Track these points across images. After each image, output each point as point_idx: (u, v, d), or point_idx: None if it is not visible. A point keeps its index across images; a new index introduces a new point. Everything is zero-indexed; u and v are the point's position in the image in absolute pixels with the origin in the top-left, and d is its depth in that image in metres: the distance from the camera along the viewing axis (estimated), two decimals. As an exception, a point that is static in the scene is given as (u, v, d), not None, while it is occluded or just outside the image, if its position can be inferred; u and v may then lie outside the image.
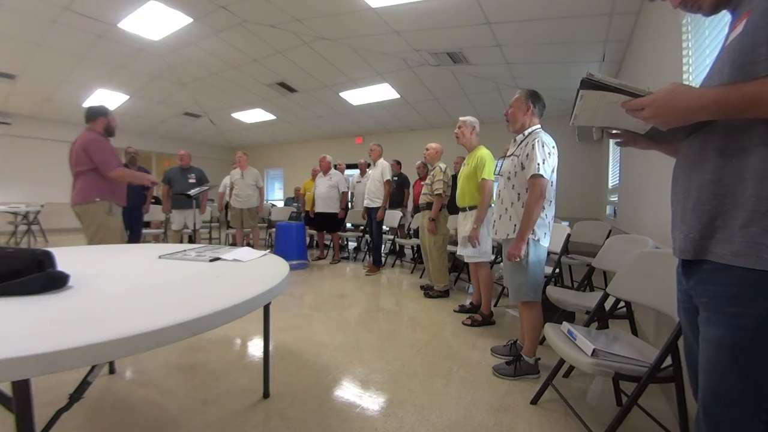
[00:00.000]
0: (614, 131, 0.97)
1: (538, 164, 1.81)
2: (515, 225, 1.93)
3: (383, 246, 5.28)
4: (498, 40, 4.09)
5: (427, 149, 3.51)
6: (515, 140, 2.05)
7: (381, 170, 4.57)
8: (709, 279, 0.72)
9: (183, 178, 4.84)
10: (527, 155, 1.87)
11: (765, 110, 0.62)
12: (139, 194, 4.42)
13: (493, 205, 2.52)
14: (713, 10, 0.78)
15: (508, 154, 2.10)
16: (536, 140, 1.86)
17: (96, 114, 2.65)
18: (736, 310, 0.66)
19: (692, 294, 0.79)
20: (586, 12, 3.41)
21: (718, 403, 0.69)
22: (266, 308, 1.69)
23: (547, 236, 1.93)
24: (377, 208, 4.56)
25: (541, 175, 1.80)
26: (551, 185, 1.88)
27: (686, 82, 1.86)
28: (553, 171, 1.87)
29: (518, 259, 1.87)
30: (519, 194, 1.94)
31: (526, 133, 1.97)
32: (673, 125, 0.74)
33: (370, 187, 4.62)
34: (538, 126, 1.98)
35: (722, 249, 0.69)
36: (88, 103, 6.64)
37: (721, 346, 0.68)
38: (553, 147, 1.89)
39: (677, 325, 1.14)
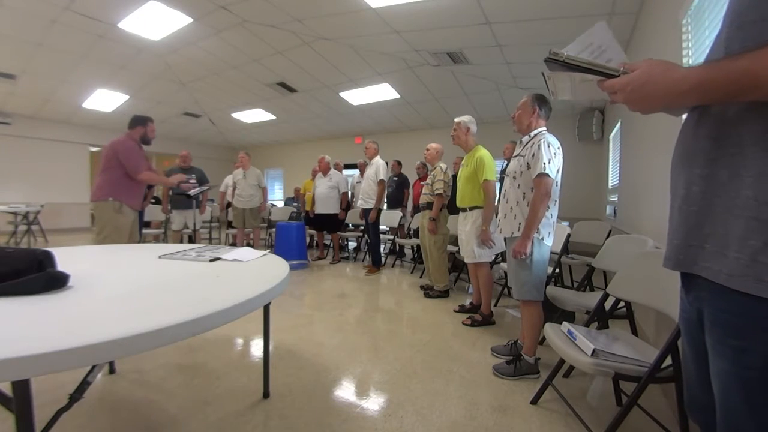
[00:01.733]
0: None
1: (544, 164, 1.84)
2: (520, 223, 1.96)
3: (383, 246, 5.27)
4: (498, 40, 4.09)
5: (428, 149, 3.50)
6: (521, 141, 2.09)
7: (375, 169, 4.47)
8: (706, 299, 0.61)
9: (183, 179, 4.84)
10: (533, 155, 1.91)
11: (760, 93, 0.48)
12: None
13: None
14: None
15: (514, 154, 2.13)
16: (542, 141, 1.90)
17: (135, 123, 2.87)
18: (739, 344, 0.55)
19: (692, 310, 0.69)
20: (586, 12, 3.41)
21: None
22: (266, 308, 1.69)
23: (551, 235, 1.95)
24: (371, 209, 4.51)
25: (547, 174, 1.84)
26: (556, 185, 1.91)
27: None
28: (558, 171, 1.90)
29: (523, 257, 1.89)
30: (524, 193, 1.98)
31: (532, 134, 2.00)
32: (652, 112, 0.62)
33: (365, 187, 4.55)
34: (544, 128, 2.01)
35: (714, 264, 0.57)
36: (88, 103, 6.75)
37: (728, 383, 0.58)
38: (558, 148, 1.92)
39: (677, 326, 1.14)
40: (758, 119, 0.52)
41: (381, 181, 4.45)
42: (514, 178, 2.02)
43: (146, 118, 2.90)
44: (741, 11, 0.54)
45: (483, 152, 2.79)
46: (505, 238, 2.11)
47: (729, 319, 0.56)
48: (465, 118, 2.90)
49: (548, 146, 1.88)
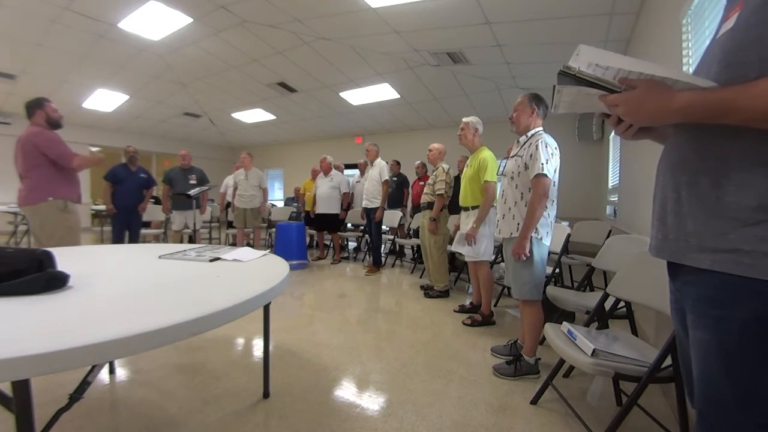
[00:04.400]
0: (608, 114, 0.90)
1: (542, 164, 1.85)
2: (518, 224, 1.97)
3: (383, 246, 5.28)
4: (498, 40, 4.09)
5: (431, 150, 3.50)
6: (518, 141, 2.09)
7: (379, 170, 4.57)
8: (691, 281, 0.71)
9: (184, 179, 4.85)
10: (530, 155, 1.91)
11: (737, 118, 0.59)
12: (137, 194, 4.42)
13: (495, 205, 2.54)
14: None
15: (511, 154, 2.14)
16: (539, 141, 1.90)
17: (33, 108, 2.56)
18: (719, 313, 0.64)
19: (679, 296, 0.78)
20: (586, 12, 3.41)
21: (711, 409, 0.68)
22: (266, 308, 1.69)
23: (549, 235, 1.96)
24: (376, 209, 4.56)
25: (545, 175, 1.84)
26: (553, 185, 1.92)
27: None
28: (555, 171, 1.91)
29: (524, 258, 1.90)
30: (522, 194, 1.98)
31: (530, 134, 2.01)
32: (646, 125, 0.73)
33: (368, 187, 4.62)
34: (541, 128, 2.03)
35: (699, 255, 0.67)
36: (88, 103, 6.75)
37: (708, 351, 0.66)
38: (556, 148, 1.93)
39: (677, 325, 1.14)
40: (737, 136, 0.62)
41: (385, 181, 4.54)
42: (512, 178, 2.03)
43: (40, 99, 2.58)
44: (729, 50, 0.64)
45: (487, 153, 2.79)
46: (504, 239, 2.12)
47: (712, 292, 0.66)
48: (473, 118, 2.90)
49: (546, 146, 1.88)
